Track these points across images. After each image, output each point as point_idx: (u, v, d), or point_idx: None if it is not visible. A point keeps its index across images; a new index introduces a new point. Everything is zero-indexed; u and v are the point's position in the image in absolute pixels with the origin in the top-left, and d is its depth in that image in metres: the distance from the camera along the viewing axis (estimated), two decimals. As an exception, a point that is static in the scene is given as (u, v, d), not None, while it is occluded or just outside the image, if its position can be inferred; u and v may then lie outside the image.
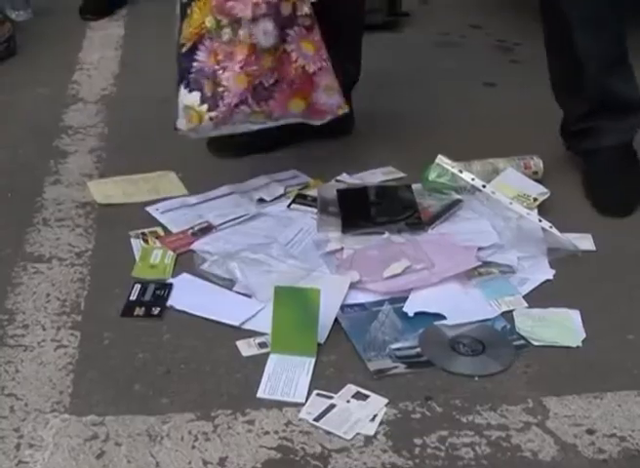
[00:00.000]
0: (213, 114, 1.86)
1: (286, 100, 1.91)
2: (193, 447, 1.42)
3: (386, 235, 1.88)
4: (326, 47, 1.92)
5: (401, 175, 2.15)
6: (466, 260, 1.80)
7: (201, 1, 1.86)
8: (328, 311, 1.64)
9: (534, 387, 1.54)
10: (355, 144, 2.29)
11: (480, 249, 1.84)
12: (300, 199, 2.02)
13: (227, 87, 1.84)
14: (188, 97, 1.88)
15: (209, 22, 1.85)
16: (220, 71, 1.85)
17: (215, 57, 1.85)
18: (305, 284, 1.69)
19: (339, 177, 2.10)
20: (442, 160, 2.03)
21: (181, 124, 1.91)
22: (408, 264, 1.78)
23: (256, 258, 1.79)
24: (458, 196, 2.01)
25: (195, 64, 1.88)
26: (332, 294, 1.67)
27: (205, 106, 1.86)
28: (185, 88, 1.89)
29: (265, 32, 1.83)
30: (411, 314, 1.68)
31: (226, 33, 1.84)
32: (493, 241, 1.86)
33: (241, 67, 1.84)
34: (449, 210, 1.97)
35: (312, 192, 2.03)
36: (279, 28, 1.85)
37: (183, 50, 1.90)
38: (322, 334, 1.62)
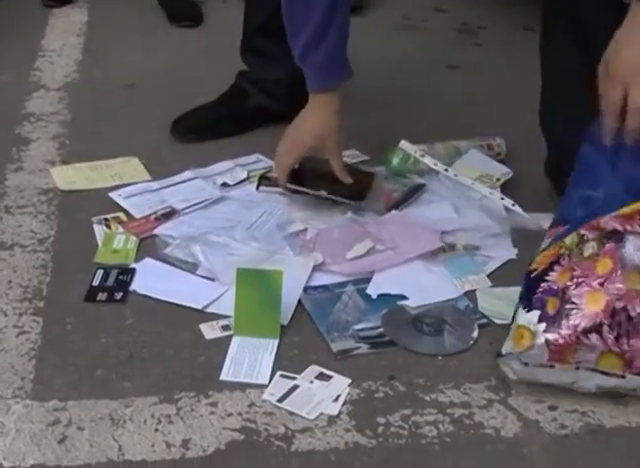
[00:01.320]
0: (550, 336, 1.43)
1: None
2: (156, 429, 1.42)
3: (349, 214, 1.88)
4: None
5: (365, 157, 2.15)
6: (430, 241, 1.80)
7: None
8: (291, 292, 1.64)
9: (496, 365, 1.54)
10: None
11: (443, 232, 1.84)
12: (265, 181, 2.01)
13: (577, 304, 1.43)
14: (524, 317, 1.48)
15: (569, 240, 1.53)
16: (573, 287, 1.45)
17: (569, 273, 1.48)
18: (268, 265, 1.69)
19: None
20: (405, 145, 2.03)
21: (508, 347, 1.49)
22: (371, 245, 1.78)
23: (218, 241, 1.78)
24: (421, 180, 2.02)
25: (543, 285, 1.49)
26: (295, 276, 1.68)
27: (543, 325, 1.44)
28: (524, 308, 1.50)
29: None
30: (374, 296, 1.69)
31: (590, 248, 1.49)
32: (455, 225, 1.87)
33: (601, 284, 1.44)
34: (412, 194, 1.97)
35: (274, 174, 2.03)
36: None
37: (533, 274, 1.54)
38: (285, 316, 1.62)
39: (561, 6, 1.84)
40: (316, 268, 1.75)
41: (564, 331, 1.42)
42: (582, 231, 1.51)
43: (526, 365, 1.46)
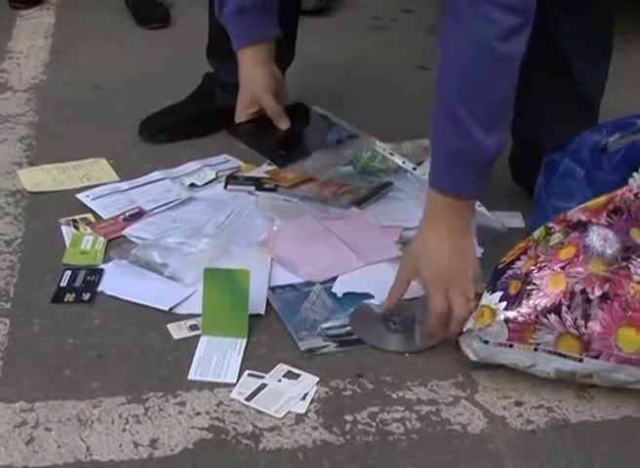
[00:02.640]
0: (510, 314, 1.46)
1: (614, 326, 1.44)
2: (124, 429, 1.42)
3: (312, 212, 1.90)
4: None
5: (333, 157, 2.15)
6: (387, 249, 1.80)
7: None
8: (259, 286, 1.66)
9: (463, 362, 1.55)
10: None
11: (407, 229, 1.85)
12: (233, 180, 2.02)
13: (538, 285, 1.46)
14: (487, 297, 1.51)
15: (537, 233, 1.55)
16: (536, 270, 1.48)
17: (534, 260, 1.50)
18: (225, 260, 1.71)
19: (269, 161, 2.11)
20: (373, 142, 2.05)
21: (469, 324, 1.51)
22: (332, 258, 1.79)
23: (178, 242, 1.78)
24: (388, 178, 2.03)
25: (508, 271, 1.52)
26: (257, 271, 1.68)
27: (503, 304, 1.47)
28: (488, 291, 1.52)
29: (605, 239, 1.49)
30: (340, 295, 1.70)
31: (556, 238, 1.52)
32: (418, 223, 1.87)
33: (562, 267, 1.47)
34: (379, 191, 1.98)
35: (242, 173, 2.05)
36: (622, 247, 1.49)
37: (500, 266, 1.55)
38: (260, 306, 1.65)
39: None
40: (278, 265, 1.76)
41: (524, 310, 1.45)
42: (550, 224, 1.54)
43: (486, 342, 1.48)
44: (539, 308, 1.45)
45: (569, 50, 1.86)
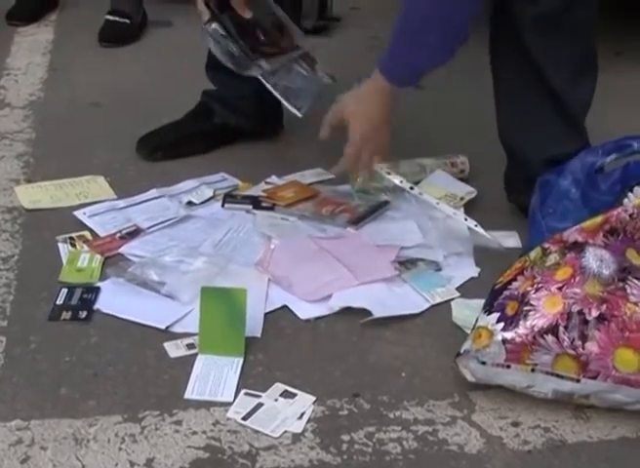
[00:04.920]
0: (508, 335, 1.46)
1: (611, 347, 1.44)
2: (120, 448, 1.41)
3: (310, 231, 1.91)
4: None
5: (330, 176, 2.16)
6: (384, 269, 1.81)
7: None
8: (256, 306, 1.67)
9: (460, 382, 1.55)
10: (284, 147, 2.30)
11: (404, 248, 1.86)
12: (230, 198, 2.03)
13: (535, 306, 1.47)
14: (484, 319, 1.51)
15: (533, 253, 1.55)
16: (533, 291, 1.49)
17: (531, 280, 1.51)
18: (222, 279, 1.71)
19: (268, 180, 2.11)
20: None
21: (466, 345, 1.51)
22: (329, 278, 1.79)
23: (175, 260, 1.78)
24: (385, 197, 2.03)
25: (505, 292, 1.52)
26: (254, 289, 1.68)
27: (500, 325, 1.47)
28: (485, 312, 1.53)
29: (602, 259, 1.50)
30: (336, 309, 1.70)
31: (552, 258, 1.52)
32: (417, 241, 1.89)
33: (559, 288, 1.47)
34: (376, 210, 1.99)
35: (240, 192, 2.05)
36: (619, 267, 1.49)
37: (497, 286, 1.55)
38: (257, 329, 1.65)
39: (503, 27, 1.92)
40: (275, 285, 1.76)
41: (521, 331, 1.45)
42: (546, 245, 1.55)
43: (483, 363, 1.48)
44: (535, 329, 1.45)
45: (545, 66, 1.89)
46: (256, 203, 2.01)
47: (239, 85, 2.19)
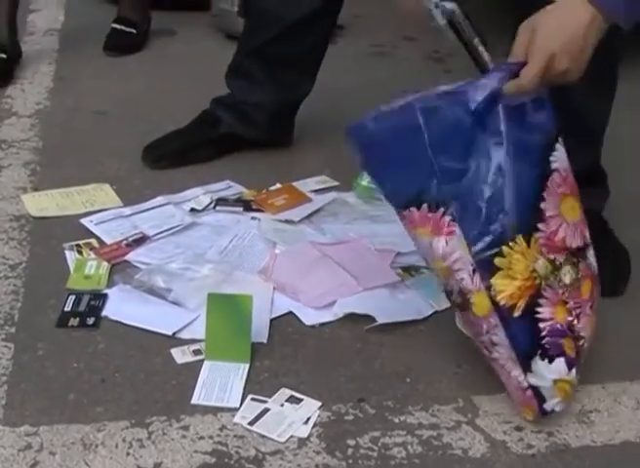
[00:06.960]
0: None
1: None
2: (128, 453, 1.43)
3: (307, 242, 1.91)
4: None
5: (335, 183, 2.17)
6: (387, 273, 1.83)
7: (518, 246, 1.43)
8: (262, 312, 1.68)
9: (464, 387, 1.57)
10: (289, 154, 2.31)
11: (399, 254, 1.87)
12: (222, 201, 2.05)
13: (586, 338, 1.47)
14: (551, 369, 1.45)
15: (542, 268, 1.45)
16: (575, 321, 1.46)
17: (562, 306, 1.45)
18: (228, 286, 1.73)
19: (272, 188, 2.12)
20: None
21: (552, 404, 1.47)
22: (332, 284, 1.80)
23: (182, 267, 1.80)
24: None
25: (542, 326, 1.44)
26: (260, 296, 1.70)
27: (574, 371, 1.47)
28: (543, 359, 1.45)
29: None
30: (340, 315, 1.72)
31: (566, 272, 1.46)
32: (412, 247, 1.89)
33: (591, 307, 1.49)
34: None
35: (232, 196, 2.08)
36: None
37: (515, 314, 1.43)
38: (262, 334, 1.67)
39: None
40: (279, 293, 1.78)
41: None
42: (552, 256, 1.46)
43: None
44: None
45: None
46: (247, 206, 2.04)
47: (257, 93, 2.21)
